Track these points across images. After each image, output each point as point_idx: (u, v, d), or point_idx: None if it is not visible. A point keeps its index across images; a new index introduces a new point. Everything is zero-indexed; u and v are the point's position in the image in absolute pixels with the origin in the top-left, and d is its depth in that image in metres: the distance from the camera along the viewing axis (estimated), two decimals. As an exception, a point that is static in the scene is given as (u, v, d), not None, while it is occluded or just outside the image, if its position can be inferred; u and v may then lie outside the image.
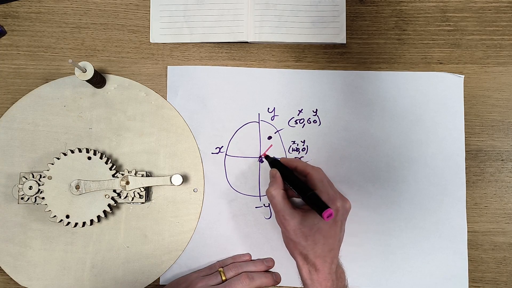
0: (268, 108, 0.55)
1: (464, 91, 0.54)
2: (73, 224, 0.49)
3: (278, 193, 0.46)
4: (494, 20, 0.55)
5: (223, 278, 0.49)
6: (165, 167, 0.53)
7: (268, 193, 0.47)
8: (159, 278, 0.52)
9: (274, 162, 0.51)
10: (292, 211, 0.45)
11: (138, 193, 0.51)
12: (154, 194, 0.53)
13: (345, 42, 0.55)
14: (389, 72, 0.55)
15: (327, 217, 0.41)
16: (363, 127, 0.54)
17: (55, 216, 0.49)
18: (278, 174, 0.48)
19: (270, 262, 0.52)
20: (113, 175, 0.50)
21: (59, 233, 0.52)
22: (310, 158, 0.54)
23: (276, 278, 0.52)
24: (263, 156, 0.53)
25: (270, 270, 0.52)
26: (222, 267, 0.51)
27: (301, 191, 0.46)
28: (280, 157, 0.53)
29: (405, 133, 0.54)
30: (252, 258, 0.53)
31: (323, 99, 0.55)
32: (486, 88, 0.55)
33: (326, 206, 0.42)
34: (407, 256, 0.53)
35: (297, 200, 0.52)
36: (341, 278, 0.47)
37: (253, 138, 0.54)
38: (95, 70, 0.50)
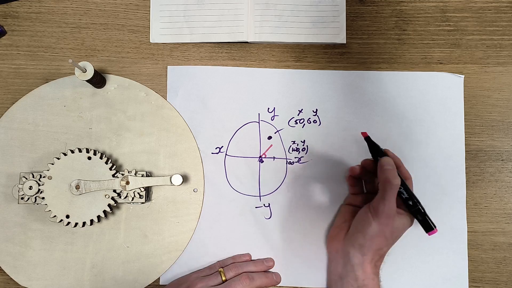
0: (268, 108, 0.55)
1: (464, 91, 0.54)
2: (73, 224, 0.49)
3: (398, 183, 0.45)
4: (494, 20, 0.55)
5: (223, 278, 0.49)
6: (165, 167, 0.53)
7: (393, 180, 0.44)
8: (159, 278, 0.52)
9: (381, 150, 0.48)
10: (404, 215, 0.47)
11: (138, 193, 0.51)
12: (154, 194, 0.53)
13: (345, 42, 0.55)
14: (389, 72, 0.55)
15: (430, 234, 0.46)
16: (363, 127, 0.54)
17: (55, 216, 0.49)
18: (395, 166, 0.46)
19: (270, 262, 0.52)
20: (113, 175, 0.50)
21: (59, 233, 0.52)
22: (310, 158, 0.54)
23: (276, 278, 0.52)
24: (363, 136, 0.49)
25: (270, 270, 0.52)
26: (222, 267, 0.51)
27: (415, 203, 0.47)
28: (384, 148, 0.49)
29: (405, 133, 0.54)
30: (252, 258, 0.53)
31: (323, 99, 0.55)
32: (486, 88, 0.55)
33: (433, 226, 0.46)
34: (407, 256, 0.53)
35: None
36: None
37: (253, 138, 0.54)
38: (95, 70, 0.50)
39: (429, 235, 0.46)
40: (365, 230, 0.45)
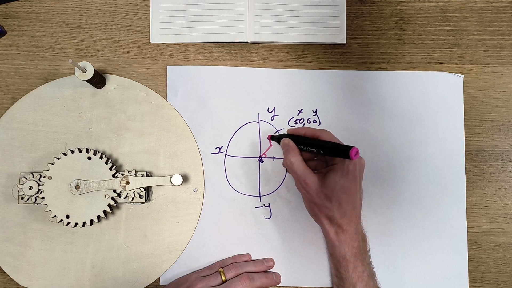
0: (268, 108, 0.55)
1: (464, 91, 0.54)
2: (73, 224, 0.49)
3: (296, 159, 0.46)
4: (494, 20, 0.55)
5: (223, 278, 0.49)
6: (165, 167, 0.53)
7: (286, 161, 0.47)
8: (159, 278, 0.52)
9: (281, 136, 0.50)
10: (312, 174, 0.46)
11: (138, 193, 0.51)
12: (154, 194, 0.53)
13: (345, 42, 0.55)
14: (389, 72, 0.55)
15: (355, 155, 0.41)
16: (363, 127, 0.54)
17: (55, 216, 0.49)
18: (291, 142, 0.48)
19: (270, 262, 0.52)
20: (113, 175, 0.50)
21: (59, 233, 0.52)
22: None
23: (276, 278, 0.52)
24: (268, 139, 0.53)
25: (270, 270, 0.52)
26: (222, 267, 0.51)
27: (319, 147, 0.45)
28: (285, 131, 0.52)
29: (405, 133, 0.54)
30: (252, 258, 0.53)
31: (323, 99, 0.55)
32: (486, 88, 0.55)
33: (349, 146, 0.42)
34: (407, 256, 0.53)
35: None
36: (364, 241, 0.48)
37: (253, 138, 0.54)
38: (95, 70, 0.50)
39: (352, 158, 0.41)
40: (319, 212, 0.47)
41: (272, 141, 0.54)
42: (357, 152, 0.41)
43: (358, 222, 0.47)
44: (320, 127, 0.54)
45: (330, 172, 0.45)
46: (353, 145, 0.42)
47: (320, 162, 0.50)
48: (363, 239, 0.47)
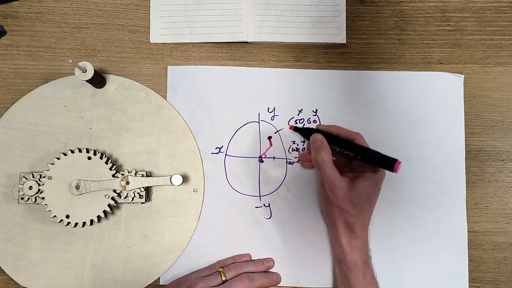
0: (268, 108, 0.55)
1: (464, 91, 0.54)
2: (73, 224, 0.49)
3: (329, 158, 0.44)
4: (494, 20, 0.55)
5: (223, 278, 0.49)
6: (165, 167, 0.53)
7: (318, 157, 0.44)
8: (159, 278, 0.52)
9: (310, 130, 0.48)
10: (341, 178, 0.44)
11: (138, 193, 0.51)
12: (154, 194, 0.53)
13: (345, 42, 0.55)
14: (389, 72, 0.55)
15: (398, 168, 0.40)
16: (363, 127, 0.54)
17: (55, 216, 0.49)
18: (324, 139, 0.45)
19: (270, 262, 0.52)
20: (113, 175, 0.50)
21: (59, 233, 0.52)
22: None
23: (276, 278, 0.52)
24: (291, 129, 0.51)
25: (270, 270, 0.52)
26: (222, 268, 0.51)
27: (358, 152, 0.44)
28: (315, 126, 0.50)
29: (405, 133, 0.54)
30: (252, 258, 0.53)
31: (323, 99, 0.55)
32: (486, 88, 0.55)
33: (394, 159, 0.41)
34: (407, 256, 0.53)
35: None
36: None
37: (253, 138, 0.54)
38: (95, 70, 0.50)
39: (396, 171, 0.41)
40: (339, 216, 0.46)
41: (294, 132, 0.51)
42: (400, 166, 0.41)
43: (367, 229, 0.48)
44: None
45: (361, 179, 0.45)
46: (397, 158, 0.42)
47: (346, 165, 0.49)
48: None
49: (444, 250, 0.53)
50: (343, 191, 0.44)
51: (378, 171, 0.45)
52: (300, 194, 0.53)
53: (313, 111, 0.55)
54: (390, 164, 0.41)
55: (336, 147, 0.46)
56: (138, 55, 0.55)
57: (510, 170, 0.54)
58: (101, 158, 0.50)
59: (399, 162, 0.41)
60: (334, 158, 0.47)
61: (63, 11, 0.56)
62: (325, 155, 0.44)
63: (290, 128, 0.52)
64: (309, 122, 0.54)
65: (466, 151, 0.54)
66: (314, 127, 0.49)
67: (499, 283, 0.53)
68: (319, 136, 0.46)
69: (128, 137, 0.53)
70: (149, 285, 0.52)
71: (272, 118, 0.55)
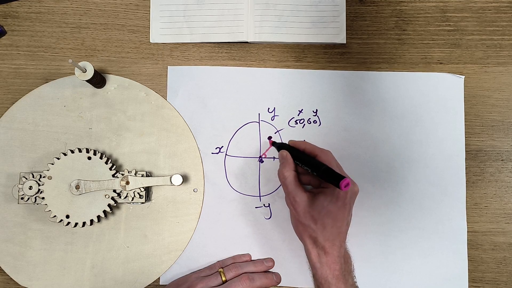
0: (268, 108, 0.55)
1: (464, 91, 0.54)
2: (73, 224, 0.49)
3: (290, 174, 0.46)
4: (494, 20, 0.55)
5: (223, 278, 0.49)
6: (165, 167, 0.53)
7: (280, 174, 0.47)
8: (159, 278, 0.52)
9: (282, 146, 0.50)
10: (302, 193, 0.45)
11: (138, 193, 0.51)
12: (154, 194, 0.53)
13: (345, 42, 0.55)
14: (389, 72, 0.55)
15: (345, 186, 0.40)
16: (363, 128, 0.54)
17: (55, 216, 0.49)
18: (288, 155, 0.48)
19: (270, 262, 0.52)
20: (113, 175, 0.50)
21: (59, 233, 0.52)
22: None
23: (276, 278, 0.52)
24: (268, 140, 0.53)
25: (270, 270, 0.52)
26: (222, 268, 0.51)
27: (313, 168, 0.44)
28: (287, 141, 0.51)
29: (405, 133, 0.54)
30: (252, 258, 0.53)
31: (323, 99, 0.55)
32: (486, 88, 0.55)
33: (342, 176, 0.41)
34: (407, 257, 0.53)
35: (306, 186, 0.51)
36: (347, 262, 0.47)
37: (253, 138, 0.54)
38: (95, 70, 0.50)
39: (341, 188, 0.40)
40: (304, 231, 0.46)
41: (272, 145, 0.53)
42: (348, 184, 0.40)
43: (342, 245, 0.46)
44: (320, 127, 0.54)
45: (320, 195, 0.45)
46: (345, 176, 0.41)
47: (314, 179, 0.49)
48: (345, 261, 0.46)
49: (444, 250, 0.53)
50: (303, 205, 0.45)
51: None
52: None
53: (313, 111, 0.55)
54: (337, 180, 0.41)
55: (298, 163, 0.47)
56: (138, 55, 0.55)
57: (510, 170, 0.54)
58: (101, 158, 0.50)
59: (345, 180, 0.40)
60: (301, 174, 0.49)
61: (63, 11, 0.56)
62: (287, 172, 0.46)
63: (268, 138, 0.54)
64: (309, 122, 0.54)
65: (466, 151, 0.54)
66: (287, 142, 0.50)
67: (499, 283, 0.53)
68: (284, 153, 0.48)
69: (128, 137, 0.53)
70: (149, 285, 0.52)
71: (272, 118, 0.55)
